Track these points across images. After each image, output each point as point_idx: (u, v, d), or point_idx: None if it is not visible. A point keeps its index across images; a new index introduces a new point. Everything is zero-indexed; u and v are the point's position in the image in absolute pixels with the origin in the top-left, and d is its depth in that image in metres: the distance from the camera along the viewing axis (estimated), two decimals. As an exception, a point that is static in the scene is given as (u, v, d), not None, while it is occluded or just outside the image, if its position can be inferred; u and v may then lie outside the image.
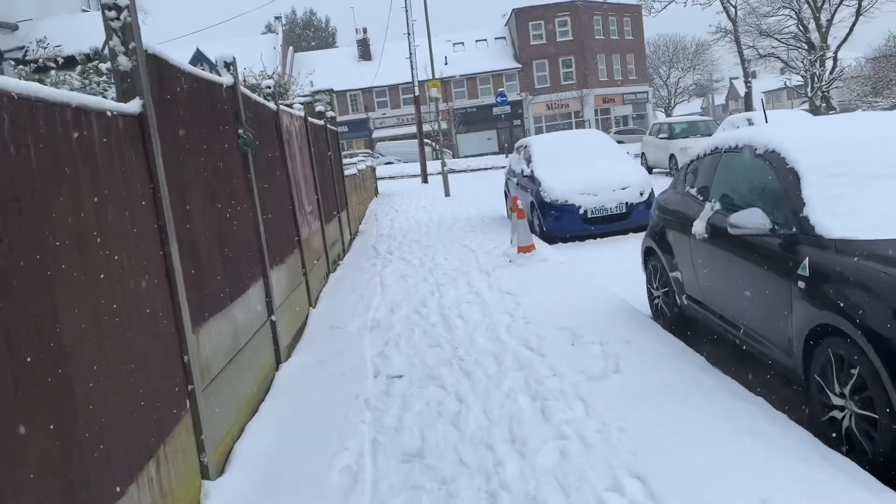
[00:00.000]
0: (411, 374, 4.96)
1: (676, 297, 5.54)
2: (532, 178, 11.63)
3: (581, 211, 10.64)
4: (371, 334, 6.18)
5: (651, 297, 6.19)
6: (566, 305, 6.43)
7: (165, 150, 3.35)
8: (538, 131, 55.47)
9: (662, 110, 76.94)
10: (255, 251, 5.03)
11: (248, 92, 5.43)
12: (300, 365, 5.41)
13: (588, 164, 11.34)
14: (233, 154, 4.79)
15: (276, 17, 58.79)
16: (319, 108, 10.86)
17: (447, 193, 20.36)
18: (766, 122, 5.87)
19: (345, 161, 16.10)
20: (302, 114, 8.69)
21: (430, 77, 21.39)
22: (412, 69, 25.69)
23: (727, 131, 16.78)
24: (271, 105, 6.71)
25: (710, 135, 20.21)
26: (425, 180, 27.36)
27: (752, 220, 4.00)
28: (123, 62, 3.10)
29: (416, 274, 8.84)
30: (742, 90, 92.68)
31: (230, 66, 5.01)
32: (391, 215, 16.54)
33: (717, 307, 4.79)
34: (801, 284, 3.61)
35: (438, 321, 6.42)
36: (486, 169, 35.81)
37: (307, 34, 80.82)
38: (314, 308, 7.28)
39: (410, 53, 25.46)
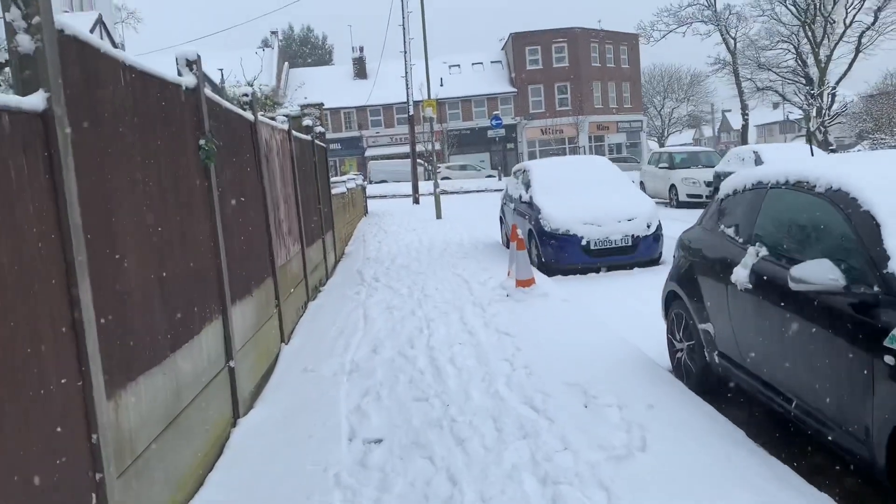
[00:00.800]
0: (393, 438, 4.15)
1: (706, 353, 4.78)
2: (531, 204, 10.91)
3: (583, 242, 9.91)
4: (349, 381, 5.37)
5: (672, 350, 5.43)
6: (573, 354, 5.65)
7: (84, 162, 2.57)
8: (531, 156, 55.09)
9: (656, 140, 76.91)
10: (212, 283, 4.23)
11: (215, 97, 4.67)
12: (262, 419, 4.59)
13: (591, 193, 10.64)
14: (190, 169, 4.01)
15: (273, 32, 58.29)
16: (307, 122, 10.11)
17: (439, 215, 19.64)
18: (812, 156, 5.15)
19: (334, 180, 15.34)
20: (285, 127, 7.94)
21: (426, 97, 20.73)
22: (407, 88, 25.06)
23: (741, 167, 16.23)
24: (247, 115, 5.95)
25: (711, 166, 19.62)
26: (417, 201, 26.65)
27: (820, 274, 3.24)
28: (24, 42, 2.32)
29: (404, 306, 8.04)
30: (736, 123, 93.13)
31: (193, 64, 4.24)
32: (380, 237, 15.77)
33: (762, 372, 4.02)
34: (890, 360, 2.85)
35: (427, 367, 5.62)
36: (479, 191, 35.16)
37: (304, 51, 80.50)
38: (287, 344, 6.46)
39: (406, 72, 24.86)
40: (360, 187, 20.67)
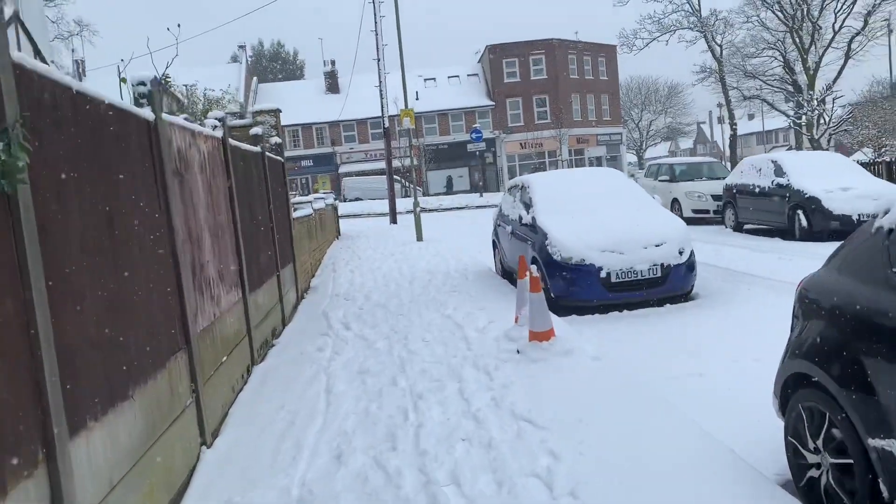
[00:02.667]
0: None
1: (882, 487, 2.86)
2: (534, 227, 8.99)
3: (603, 273, 8.00)
4: (295, 530, 3.36)
5: (800, 464, 3.48)
6: (639, 463, 3.71)
7: None
8: (511, 170, 53.47)
9: (634, 153, 75.90)
10: (23, 414, 2.21)
11: (41, 68, 2.67)
12: None
13: (608, 212, 8.76)
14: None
15: (240, 46, 56.31)
16: (256, 130, 8.11)
17: (419, 237, 17.67)
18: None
19: (297, 200, 13.31)
20: (218, 135, 5.94)
21: (402, 109, 18.83)
22: (382, 98, 23.17)
23: (758, 178, 14.47)
24: (141, 112, 3.95)
25: (717, 178, 17.92)
26: (394, 220, 24.68)
27: None
28: None
29: (382, 370, 6.04)
30: (722, 133, 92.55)
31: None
32: (353, 264, 13.74)
33: None
34: None
35: (417, 494, 3.63)
36: (459, 208, 33.30)
37: (274, 66, 78.54)
38: (211, 448, 4.42)
39: (380, 81, 22.97)
40: (330, 207, 18.65)
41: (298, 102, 53.37)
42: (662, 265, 8.09)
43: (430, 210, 31.69)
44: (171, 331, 4.03)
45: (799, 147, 36.03)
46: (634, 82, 71.62)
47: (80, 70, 44.60)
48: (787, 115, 36.36)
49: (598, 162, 55.71)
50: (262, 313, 7.00)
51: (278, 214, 8.85)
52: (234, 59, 59.88)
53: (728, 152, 79.25)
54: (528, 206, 9.50)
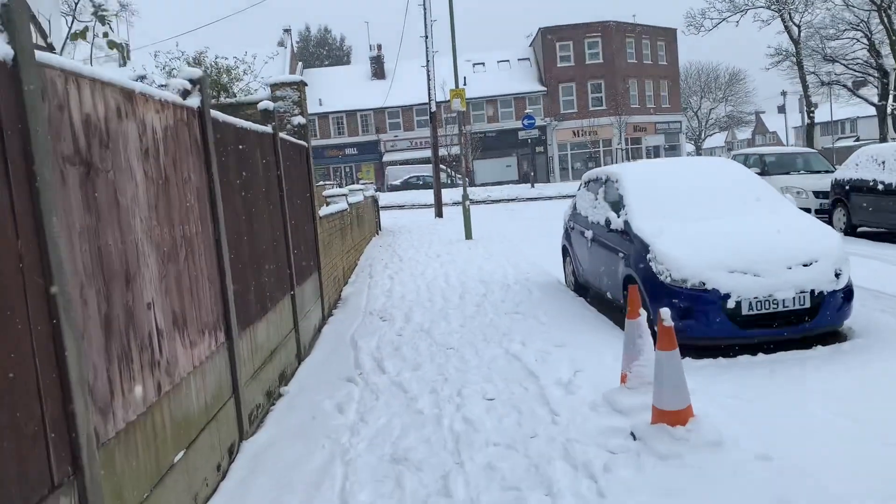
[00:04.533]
0: None
1: None
2: (627, 234, 6.84)
3: (730, 303, 5.80)
4: None
5: None
6: None
7: None
8: (562, 160, 50.97)
9: (692, 143, 72.30)
10: None
11: None
12: None
13: (732, 217, 6.57)
14: None
15: (286, 30, 54.68)
16: (266, 104, 6.14)
17: (468, 235, 15.60)
18: None
19: (330, 192, 11.38)
20: (191, 103, 3.98)
21: (452, 89, 16.71)
22: (429, 80, 21.08)
23: (880, 173, 11.94)
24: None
25: (814, 171, 15.41)
26: (440, 213, 22.66)
27: None
28: None
29: (427, 457, 4.01)
30: (772, 125, 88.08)
31: None
32: (392, 267, 11.77)
33: None
34: None
35: None
36: (508, 200, 31.09)
37: (321, 52, 77.17)
38: None
39: (427, 60, 20.88)
40: (370, 199, 16.71)
41: (343, 88, 51.77)
42: (813, 292, 5.86)
43: (478, 202, 29.57)
44: (35, 452, 2.07)
45: (884, 138, 32.77)
46: (694, 68, 68.00)
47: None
48: (872, 103, 33.09)
49: (655, 152, 52.78)
50: (262, 356, 5.04)
51: (298, 214, 6.90)
52: (281, 43, 58.51)
53: (797, 143, 74.97)
54: (617, 205, 7.34)
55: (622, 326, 6.87)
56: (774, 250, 5.99)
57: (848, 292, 6.06)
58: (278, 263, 5.79)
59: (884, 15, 31.31)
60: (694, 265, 5.97)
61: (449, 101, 17.83)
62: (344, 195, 11.23)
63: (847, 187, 12.56)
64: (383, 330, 7.29)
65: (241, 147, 4.97)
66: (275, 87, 7.89)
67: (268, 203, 5.63)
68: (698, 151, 71.89)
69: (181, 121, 3.86)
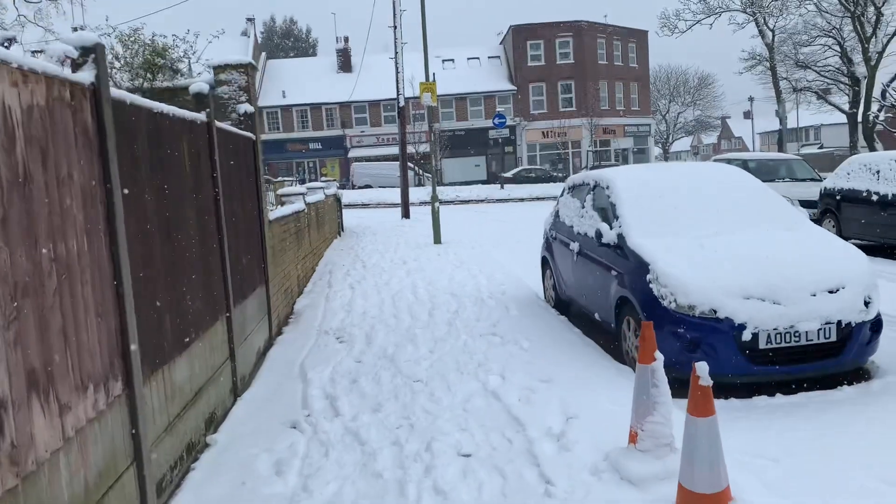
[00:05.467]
0: None
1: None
2: (622, 249, 5.96)
3: (746, 335, 4.95)
4: None
5: None
6: None
7: None
8: (531, 161, 50.30)
9: (660, 146, 72.32)
10: None
11: None
12: None
13: (743, 233, 5.73)
14: None
15: (249, 19, 53.02)
16: (200, 87, 5.09)
17: (437, 239, 14.64)
18: None
19: (285, 191, 10.31)
20: (84, 80, 2.95)
21: (423, 82, 15.71)
22: (397, 72, 20.03)
23: (874, 183, 11.24)
24: None
25: (798, 179, 14.81)
26: (406, 214, 21.65)
27: None
28: None
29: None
30: (738, 130, 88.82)
31: None
32: (354, 275, 10.75)
33: None
34: None
35: None
36: (478, 201, 30.21)
37: (286, 44, 75.53)
38: None
39: (396, 52, 19.82)
40: (332, 198, 15.63)
41: (308, 80, 50.39)
42: (840, 324, 5.04)
43: (446, 202, 28.63)
44: None
45: (854, 146, 32.71)
46: (663, 71, 67.95)
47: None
48: (843, 111, 33.00)
49: (623, 156, 52.46)
50: (182, 400, 4.01)
51: (240, 219, 5.86)
52: (244, 33, 56.82)
53: (762, 148, 75.47)
54: (608, 216, 6.46)
55: (614, 355, 6.01)
56: (797, 273, 5.15)
57: (877, 323, 5.26)
58: (209, 281, 4.76)
59: (857, 22, 31.20)
60: (704, 289, 5.10)
61: (418, 96, 16.82)
62: (301, 194, 10.17)
63: (838, 197, 11.91)
64: (340, 355, 6.29)
65: (158, 137, 3.94)
66: (218, 69, 6.83)
67: (197, 208, 4.59)
68: (665, 155, 72.00)
69: (60, 100, 2.83)
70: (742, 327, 4.97)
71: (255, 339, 6.21)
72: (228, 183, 5.54)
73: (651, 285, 5.39)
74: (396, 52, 19.70)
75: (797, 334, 4.99)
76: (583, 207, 7.18)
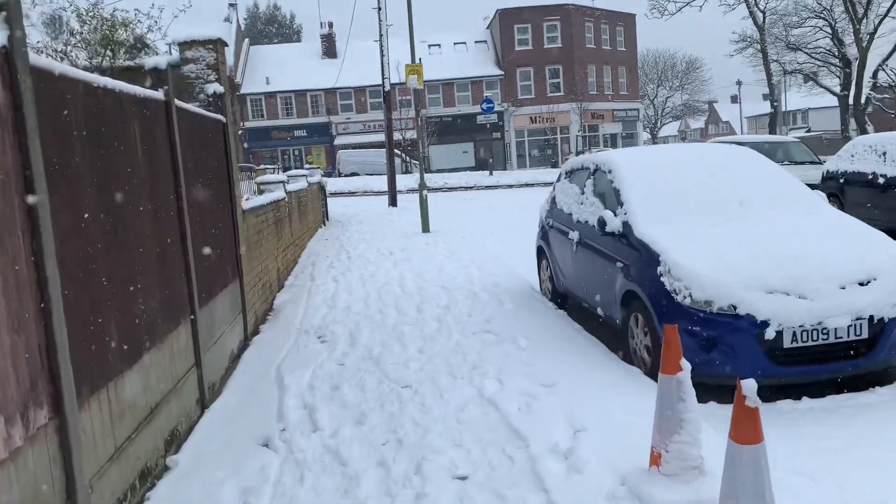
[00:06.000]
0: None
1: None
2: (628, 238, 5.45)
3: (769, 332, 4.46)
4: None
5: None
6: None
7: None
8: (519, 147, 49.76)
9: (648, 131, 71.94)
10: None
11: None
12: None
13: (759, 220, 5.24)
14: None
15: (231, 5, 51.94)
16: (156, 62, 4.52)
17: (426, 228, 14.10)
18: None
19: (265, 179, 9.73)
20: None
21: (408, 64, 15.09)
22: (382, 55, 19.39)
23: (880, 165, 10.77)
24: None
25: (798, 162, 14.37)
26: (394, 202, 21.08)
27: None
28: None
29: None
30: (725, 114, 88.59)
31: None
32: (338, 268, 10.20)
33: None
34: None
35: None
36: (466, 188, 29.66)
37: (269, 30, 74.32)
38: None
39: (381, 34, 19.18)
40: (315, 186, 15.04)
41: (292, 67, 49.48)
42: (872, 319, 4.56)
43: (434, 189, 28.05)
44: None
45: (845, 128, 32.37)
46: (651, 55, 67.44)
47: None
48: (834, 93, 32.63)
49: (612, 140, 52.00)
50: (133, 420, 3.47)
51: (207, 210, 5.30)
52: (227, 19, 55.75)
53: (750, 132, 75.33)
54: (611, 202, 5.94)
55: (620, 353, 5.52)
56: (824, 264, 4.66)
57: (910, 318, 4.78)
58: (168, 281, 4.21)
59: (848, 3, 30.77)
60: (722, 282, 4.60)
61: (404, 82, 16.20)
62: (281, 182, 9.60)
63: (841, 180, 11.46)
64: (321, 357, 5.76)
65: (100, 117, 3.37)
66: (184, 46, 6.23)
67: (153, 198, 4.03)
68: (654, 140, 71.62)
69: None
70: (765, 325, 4.47)
71: (228, 341, 5.67)
72: (193, 170, 4.97)
73: (662, 278, 4.89)
74: (381, 35, 19.05)
75: (825, 332, 4.50)
76: (582, 194, 6.66)
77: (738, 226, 5.11)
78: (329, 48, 50.52)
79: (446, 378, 5.03)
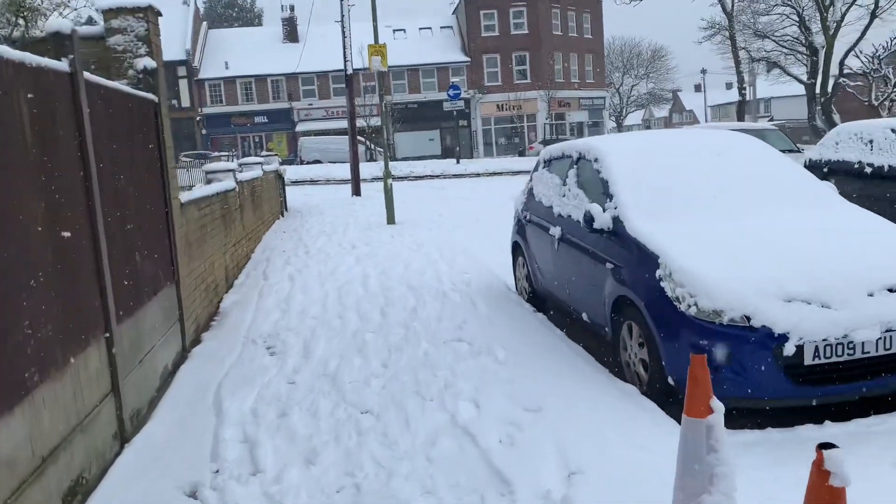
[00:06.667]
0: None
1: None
2: (620, 236, 4.79)
3: (789, 347, 3.84)
4: None
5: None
6: None
7: None
8: (486, 134, 49.08)
9: (613, 119, 71.86)
10: None
11: None
12: None
13: (770, 216, 4.62)
14: None
15: (188, -14, 50.03)
16: (59, 25, 3.69)
17: (391, 219, 13.34)
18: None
19: (212, 167, 8.87)
20: None
21: (371, 45, 14.24)
22: (344, 36, 18.47)
23: (868, 154, 10.33)
24: None
25: (788, 150, 13.94)
26: (357, 191, 20.24)
27: None
28: None
29: None
30: (689, 103, 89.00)
31: None
32: (295, 264, 9.39)
33: None
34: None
35: None
36: (433, 177, 28.88)
37: (230, 14, 72.27)
38: None
39: (343, 15, 18.26)
40: (272, 175, 14.15)
41: (252, 51, 47.94)
42: (904, 330, 3.98)
43: (400, 178, 27.23)
44: None
45: (812, 117, 32.37)
46: (616, 43, 67.20)
47: None
48: (801, 81, 32.59)
49: (579, 129, 51.63)
50: (9, 484, 2.69)
51: (130, 205, 4.48)
52: (184, 1, 53.79)
53: (713, 121, 75.84)
54: (598, 195, 5.28)
55: (610, 367, 4.87)
56: (848, 267, 4.06)
57: (943, 328, 4.21)
58: (72, 293, 3.41)
59: (815, -9, 30.69)
60: (733, 289, 3.97)
61: (368, 68, 15.35)
62: (231, 171, 8.75)
63: (825, 170, 10.98)
64: (268, 373, 5.00)
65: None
66: (110, 13, 5.36)
67: (48, 192, 3.23)
68: (619, 129, 71.55)
69: None
70: (783, 338, 3.85)
71: (160, 357, 4.88)
72: (111, 158, 4.16)
73: (662, 283, 4.23)
74: (343, 15, 18.12)
75: (851, 346, 3.90)
76: (564, 185, 5.98)
77: (746, 223, 4.49)
78: (290, 32, 49.11)
79: (414, 400, 4.32)
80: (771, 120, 65.82)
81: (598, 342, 5.33)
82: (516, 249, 7.33)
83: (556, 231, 5.87)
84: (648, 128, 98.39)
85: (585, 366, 4.90)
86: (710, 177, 5.02)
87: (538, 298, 6.73)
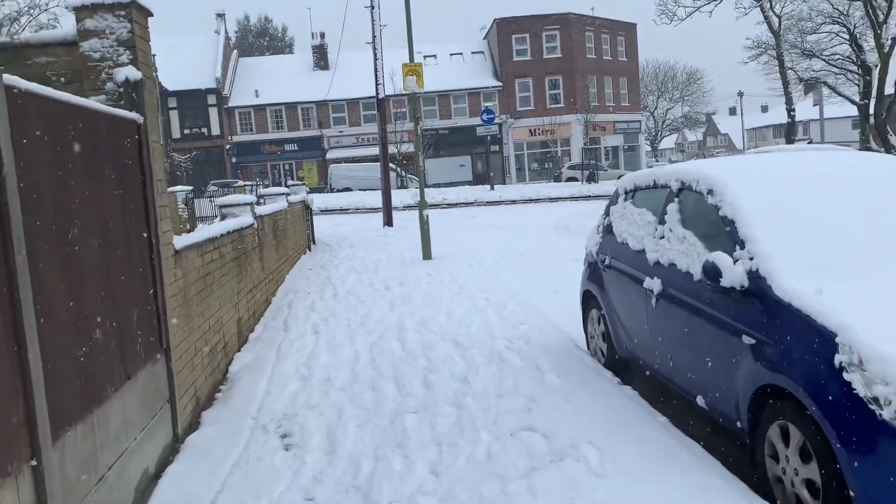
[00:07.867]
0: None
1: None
2: (762, 299, 3.44)
3: None
4: None
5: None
6: None
7: None
8: (518, 160, 47.89)
9: (648, 143, 70.31)
10: None
11: None
12: None
13: None
14: None
15: (219, 15, 50.11)
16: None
17: (427, 254, 12.08)
18: None
19: (229, 200, 7.70)
20: None
21: (405, 64, 13.12)
22: (375, 58, 17.43)
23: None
24: None
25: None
26: (389, 221, 19.07)
27: None
28: None
29: None
30: (724, 127, 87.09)
31: None
32: (320, 312, 8.13)
33: None
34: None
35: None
36: (466, 204, 27.67)
37: (261, 43, 72.66)
38: None
39: (374, 36, 17.23)
40: (299, 205, 13.02)
41: (282, 79, 47.59)
42: None
43: (433, 206, 26.08)
44: None
45: (865, 139, 30.60)
46: (651, 66, 65.90)
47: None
48: (853, 102, 30.87)
49: (614, 153, 50.20)
50: None
51: (80, 267, 3.28)
52: (216, 31, 53.88)
53: (751, 145, 73.85)
54: (717, 238, 3.94)
55: (739, 471, 3.49)
56: None
57: None
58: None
59: (868, 7, 29.08)
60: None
61: (400, 92, 14.24)
62: (248, 204, 7.58)
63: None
64: (280, 483, 3.72)
65: None
66: (83, 11, 4.22)
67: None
68: (655, 153, 69.96)
69: None
70: None
71: (136, 461, 3.62)
72: (56, 203, 2.95)
73: (847, 375, 2.88)
74: (374, 36, 17.10)
75: None
76: (662, 224, 4.65)
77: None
78: (321, 60, 48.68)
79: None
80: (810, 142, 63.72)
81: (715, 430, 3.97)
82: (589, 300, 5.98)
83: (653, 284, 4.53)
84: (683, 151, 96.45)
85: (713, 476, 3.53)
86: (875, 213, 3.66)
87: (615, 361, 5.38)
